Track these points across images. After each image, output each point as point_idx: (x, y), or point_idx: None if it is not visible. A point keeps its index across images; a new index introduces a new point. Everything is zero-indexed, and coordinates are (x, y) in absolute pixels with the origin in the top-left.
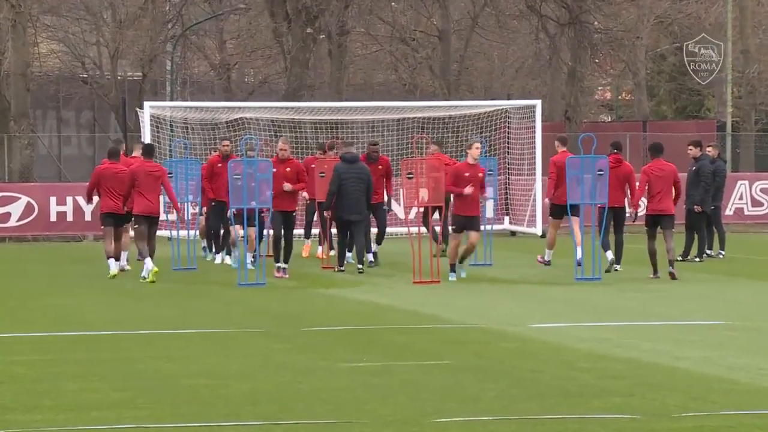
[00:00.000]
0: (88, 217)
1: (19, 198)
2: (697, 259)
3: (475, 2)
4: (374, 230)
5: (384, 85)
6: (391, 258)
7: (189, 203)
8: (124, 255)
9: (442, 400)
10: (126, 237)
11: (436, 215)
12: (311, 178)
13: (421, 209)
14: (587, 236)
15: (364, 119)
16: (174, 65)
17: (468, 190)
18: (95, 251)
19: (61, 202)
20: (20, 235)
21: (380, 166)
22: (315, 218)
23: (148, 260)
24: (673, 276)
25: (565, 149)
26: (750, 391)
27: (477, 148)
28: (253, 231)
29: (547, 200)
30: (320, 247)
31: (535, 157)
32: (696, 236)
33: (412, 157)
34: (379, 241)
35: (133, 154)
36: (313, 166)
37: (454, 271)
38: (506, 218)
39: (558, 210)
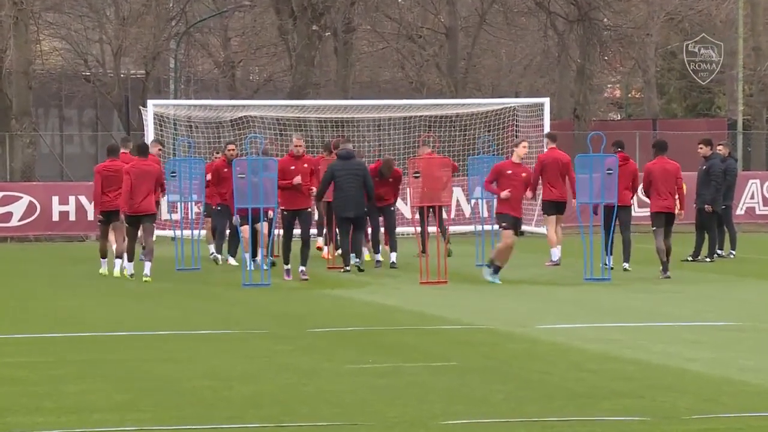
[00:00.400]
0: (90, 217)
1: (21, 197)
2: (708, 260)
3: None
4: (381, 230)
5: (390, 83)
6: (398, 258)
7: (193, 203)
8: (124, 256)
9: (449, 402)
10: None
11: (445, 215)
12: (317, 179)
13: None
14: (596, 236)
15: (371, 117)
16: (178, 63)
17: (505, 194)
18: (97, 252)
19: (63, 201)
20: (22, 235)
21: (391, 179)
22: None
23: (124, 260)
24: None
25: (554, 146)
26: (760, 393)
27: (524, 147)
28: (249, 231)
29: (529, 193)
30: (326, 248)
31: None
32: (707, 236)
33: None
34: (393, 248)
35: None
36: (319, 167)
37: (497, 273)
38: None
39: (548, 206)
